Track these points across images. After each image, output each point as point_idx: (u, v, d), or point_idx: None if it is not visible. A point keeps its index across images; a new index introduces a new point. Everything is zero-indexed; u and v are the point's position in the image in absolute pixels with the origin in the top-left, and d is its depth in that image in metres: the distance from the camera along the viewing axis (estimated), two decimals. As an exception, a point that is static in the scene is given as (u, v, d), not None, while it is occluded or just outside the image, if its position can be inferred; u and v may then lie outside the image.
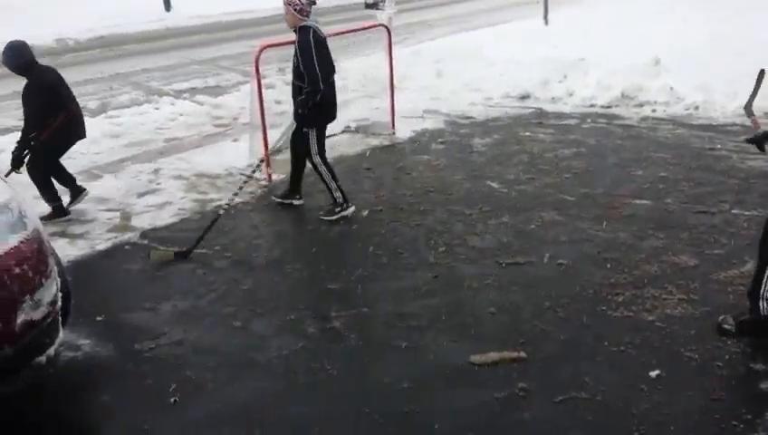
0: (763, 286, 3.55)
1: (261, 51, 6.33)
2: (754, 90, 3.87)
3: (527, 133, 7.47)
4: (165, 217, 5.63)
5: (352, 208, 5.50)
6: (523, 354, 3.62)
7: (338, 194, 5.46)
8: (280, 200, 5.84)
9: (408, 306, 4.15)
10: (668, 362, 3.49)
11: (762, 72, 3.60)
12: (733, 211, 5.18)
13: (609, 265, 4.49)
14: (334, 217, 5.41)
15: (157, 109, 8.75)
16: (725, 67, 8.35)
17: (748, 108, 3.95)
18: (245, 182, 5.59)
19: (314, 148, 5.43)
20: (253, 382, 3.52)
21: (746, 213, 5.13)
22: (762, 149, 3.73)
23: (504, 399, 3.30)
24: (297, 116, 5.28)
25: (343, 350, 3.75)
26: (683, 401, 3.22)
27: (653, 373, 3.40)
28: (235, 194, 5.46)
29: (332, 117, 5.54)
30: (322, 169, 5.48)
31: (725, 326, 3.68)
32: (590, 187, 5.83)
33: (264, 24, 16.61)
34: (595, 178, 6.02)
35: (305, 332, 3.93)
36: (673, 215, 5.20)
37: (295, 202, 5.79)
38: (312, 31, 5.20)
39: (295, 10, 5.21)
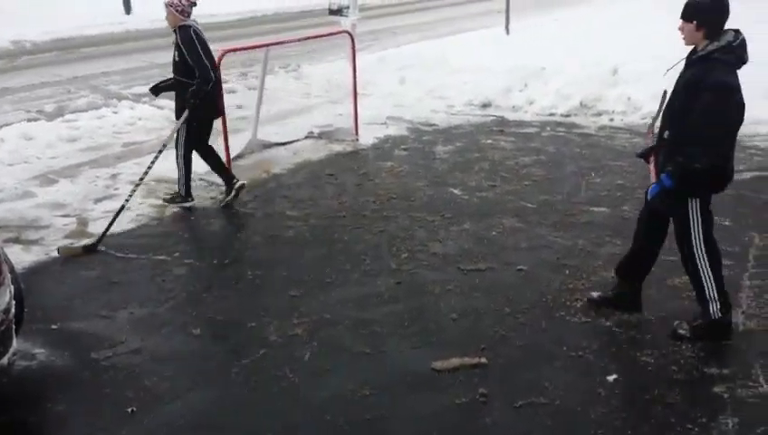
0: (708, 289, 3.63)
1: (223, 55, 6.28)
2: (658, 109, 3.90)
3: (489, 141, 7.56)
4: (123, 223, 5.52)
5: (193, 202, 5.89)
6: (483, 360, 3.65)
7: (183, 190, 5.86)
8: (227, 201, 5.88)
9: (371, 313, 4.15)
10: (625, 367, 3.56)
11: (665, 93, 3.71)
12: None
13: (567, 272, 4.56)
14: (173, 204, 5.83)
15: (115, 113, 8.59)
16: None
17: (651, 126, 4.04)
18: (157, 156, 5.68)
19: (191, 138, 5.77)
20: (212, 392, 3.48)
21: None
22: (648, 160, 3.86)
23: (465, 404, 3.32)
24: (190, 106, 5.52)
25: (305, 357, 3.73)
26: (640, 405, 3.29)
27: (610, 378, 3.47)
28: (137, 184, 5.58)
29: (216, 113, 5.93)
30: (183, 162, 5.82)
31: (680, 331, 3.76)
32: (550, 194, 5.93)
33: (226, 29, 16.48)
34: (554, 186, 6.13)
35: (267, 339, 3.90)
36: (629, 222, 5.28)
37: (236, 185, 5.90)
38: (192, 29, 5.58)
39: (177, 11, 5.57)
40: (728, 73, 3.34)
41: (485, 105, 9.05)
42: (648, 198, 3.69)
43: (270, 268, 4.75)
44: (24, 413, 3.34)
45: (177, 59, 5.62)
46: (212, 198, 6.04)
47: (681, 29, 3.48)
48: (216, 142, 6.59)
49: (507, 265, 4.69)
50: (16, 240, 5.21)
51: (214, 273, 4.71)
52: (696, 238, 3.59)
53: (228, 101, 6.54)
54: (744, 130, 7.61)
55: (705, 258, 3.60)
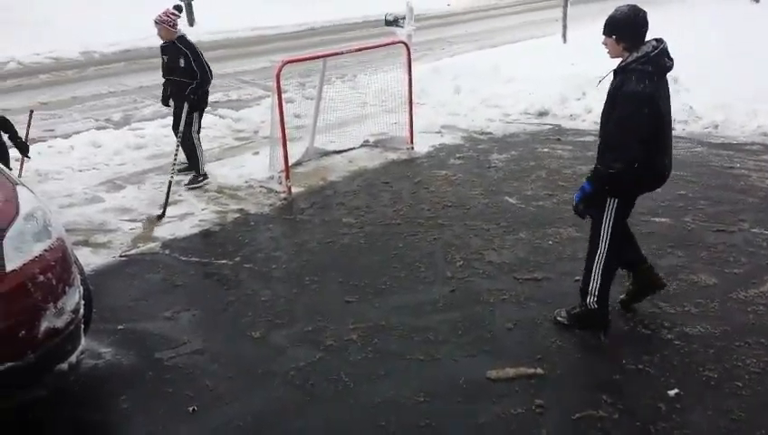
0: (592, 284, 3.89)
1: (282, 66, 6.41)
2: None
3: (545, 149, 7.49)
4: (186, 228, 5.71)
5: (209, 181, 6.75)
6: (540, 371, 3.62)
7: (204, 168, 6.75)
8: (192, 186, 6.62)
9: (425, 320, 4.17)
10: (687, 381, 3.47)
11: None
12: (752, 230, 5.15)
13: (626, 283, 4.46)
14: (197, 185, 6.64)
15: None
16: (745, 86, 8.33)
17: None
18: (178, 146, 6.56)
19: (197, 127, 6.69)
20: (270, 393, 3.55)
21: (766, 232, 5.09)
22: None
23: (521, 415, 3.30)
24: (190, 101, 6.42)
25: (360, 362, 3.78)
26: (702, 420, 3.20)
27: (672, 392, 3.39)
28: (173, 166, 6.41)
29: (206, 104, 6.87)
30: (199, 143, 6.74)
31: (559, 318, 4.04)
32: (609, 204, 5.81)
33: (286, 40, 16.82)
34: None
35: (323, 343, 3.96)
36: (692, 233, 5.18)
37: (202, 181, 6.72)
38: (186, 36, 6.63)
39: (170, 26, 6.50)
40: (643, 82, 3.49)
41: (542, 114, 8.96)
42: (575, 199, 3.88)
43: (326, 274, 4.82)
44: (89, 411, 3.49)
45: (182, 65, 6.45)
46: (270, 205, 6.17)
47: (605, 44, 3.68)
48: (274, 150, 6.76)
49: (564, 274, 4.63)
50: (85, 243, 5.44)
51: (273, 277, 4.81)
52: (603, 237, 3.80)
53: (287, 110, 6.67)
54: None
55: (603, 258, 3.82)
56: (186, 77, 6.47)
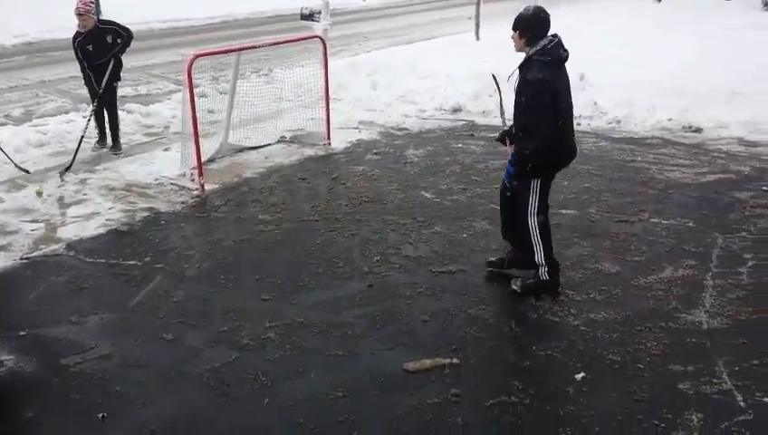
0: (537, 255, 4.27)
1: (194, 59, 6.25)
2: (499, 97, 4.76)
3: (459, 145, 7.64)
4: (92, 228, 5.47)
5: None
6: (455, 360, 3.70)
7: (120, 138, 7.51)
8: (117, 152, 7.35)
9: (343, 315, 4.18)
10: (592, 365, 3.64)
11: (493, 76, 4.77)
12: (651, 220, 5.45)
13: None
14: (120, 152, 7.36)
15: (84, 117, 8.48)
16: (646, 82, 8.79)
17: (502, 113, 4.75)
18: (92, 113, 7.26)
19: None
20: (184, 396, 3.47)
21: (664, 222, 5.40)
22: (504, 143, 4.52)
23: (437, 404, 3.36)
24: (118, 60, 7.21)
25: (278, 360, 3.74)
26: (607, 402, 3.36)
27: (578, 376, 3.55)
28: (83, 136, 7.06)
29: None
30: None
31: (513, 287, 4.40)
32: (520, 197, 6.00)
33: (198, 33, 16.38)
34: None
35: (239, 343, 3.90)
36: (596, 224, 5.43)
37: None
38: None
39: (92, 13, 7.09)
40: (543, 70, 3.96)
41: (456, 110, 9.14)
42: (504, 179, 4.37)
43: (242, 272, 4.75)
44: (-9, 421, 3.30)
45: (110, 40, 7.10)
46: (183, 203, 6.01)
47: (512, 38, 4.15)
48: (186, 147, 6.58)
49: (478, 266, 4.75)
50: (-18, 246, 5.13)
51: (186, 277, 4.69)
52: (531, 213, 4.23)
53: (199, 105, 6.51)
54: (708, 133, 7.85)
55: (537, 230, 4.24)
56: (107, 55, 7.09)
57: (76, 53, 7.20)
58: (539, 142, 3.96)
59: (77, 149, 6.89)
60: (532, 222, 4.23)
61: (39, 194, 6.15)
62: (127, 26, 7.30)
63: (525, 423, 3.23)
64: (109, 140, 7.51)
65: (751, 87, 8.32)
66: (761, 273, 4.53)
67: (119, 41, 7.16)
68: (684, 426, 3.17)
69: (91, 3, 6.99)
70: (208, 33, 16.45)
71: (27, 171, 6.66)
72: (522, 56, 4.13)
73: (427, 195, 6.13)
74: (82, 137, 7.04)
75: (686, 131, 7.85)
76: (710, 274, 4.52)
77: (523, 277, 4.42)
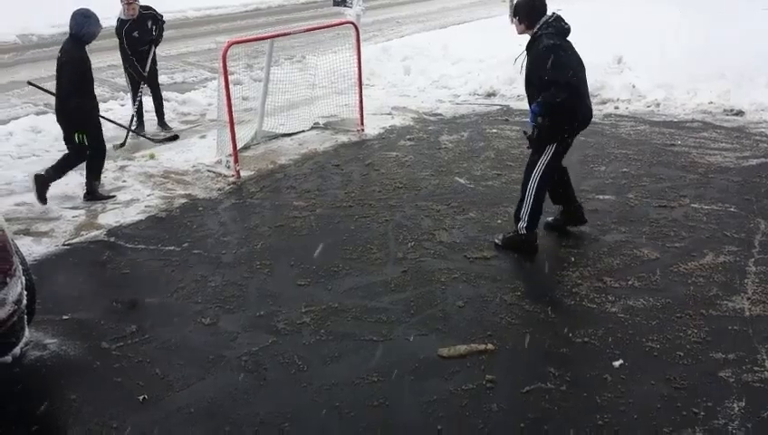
0: (523, 210, 4.59)
1: (228, 47, 6.29)
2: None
3: (494, 130, 7.57)
4: (131, 215, 5.58)
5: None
6: (490, 347, 3.68)
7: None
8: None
9: (378, 301, 4.19)
10: (631, 352, 3.59)
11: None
12: (692, 205, 5.33)
13: (573, 259, 4.59)
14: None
15: (122, 105, 8.63)
16: (686, 65, 8.57)
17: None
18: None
19: None
20: (222, 379, 3.52)
21: (705, 207, 5.28)
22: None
23: (472, 390, 3.36)
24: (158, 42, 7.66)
25: (313, 345, 3.78)
26: (646, 390, 3.31)
27: (616, 363, 3.50)
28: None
29: None
30: None
31: (496, 241, 4.78)
32: (556, 182, 5.92)
33: (233, 20, 16.49)
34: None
35: (275, 328, 3.94)
36: (635, 209, 5.33)
37: None
38: None
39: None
40: (551, 38, 4.28)
41: (490, 94, 9.04)
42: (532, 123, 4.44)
43: (277, 258, 4.79)
44: (36, 402, 3.40)
45: (150, 26, 7.38)
46: (219, 189, 6.08)
47: (514, 24, 4.58)
48: (221, 134, 6.64)
49: (513, 253, 4.71)
50: (27, 232, 5.27)
51: (222, 263, 4.75)
52: (537, 171, 4.52)
53: (234, 92, 6.56)
54: (750, 117, 7.63)
55: (535, 188, 4.53)
56: (152, 36, 7.44)
57: (122, 41, 7.33)
58: (567, 91, 4.18)
59: (129, 127, 7.32)
60: (534, 179, 4.52)
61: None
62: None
63: (562, 410, 3.20)
64: (147, 127, 7.77)
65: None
66: (806, 259, 4.41)
67: (154, 27, 7.43)
68: (724, 414, 3.11)
69: None
70: (242, 20, 16.54)
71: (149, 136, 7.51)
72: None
73: (461, 181, 6.09)
74: (134, 116, 7.54)
75: (727, 114, 7.64)
76: (752, 260, 4.41)
77: (505, 232, 4.78)
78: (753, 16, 11.71)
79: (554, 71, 4.19)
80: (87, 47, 5.76)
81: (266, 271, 4.63)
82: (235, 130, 6.33)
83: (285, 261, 4.74)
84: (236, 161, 6.35)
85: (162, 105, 7.93)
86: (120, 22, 7.34)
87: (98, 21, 5.70)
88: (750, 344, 3.60)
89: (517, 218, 4.66)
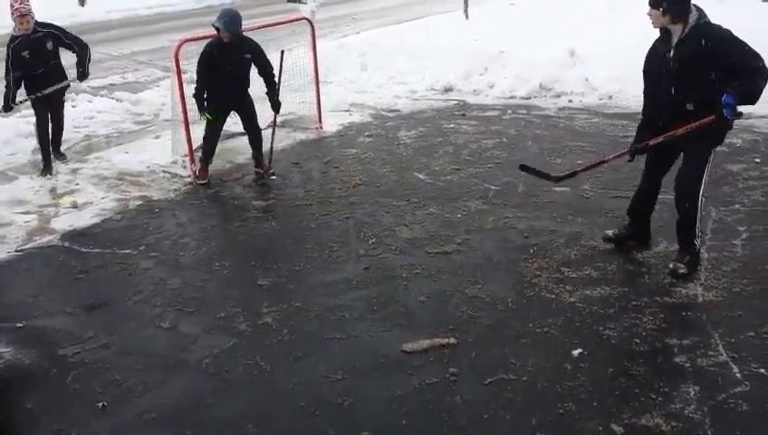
0: (697, 226, 4.19)
1: (180, 45, 6.19)
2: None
3: (451, 125, 7.62)
4: (86, 218, 5.45)
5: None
6: (453, 340, 3.72)
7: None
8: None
9: (340, 299, 4.18)
10: (589, 341, 3.66)
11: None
12: (645, 195, 5.44)
13: (532, 251, 4.65)
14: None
15: (74, 106, 8.40)
16: (637, 57, 8.75)
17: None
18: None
19: None
20: (183, 383, 3.48)
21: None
22: (646, 148, 4.40)
23: (435, 384, 3.38)
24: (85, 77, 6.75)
25: (276, 345, 3.75)
26: (604, 377, 3.39)
27: (575, 352, 3.57)
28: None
29: None
30: None
31: (681, 271, 4.19)
32: (513, 176, 5.99)
33: (186, 18, 16.21)
34: (517, 168, 6.19)
35: (236, 329, 3.91)
36: (590, 201, 5.44)
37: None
38: None
39: (33, 15, 6.18)
40: (719, 26, 3.91)
41: (447, 90, 9.10)
42: (725, 111, 3.81)
43: (237, 259, 4.74)
44: (-9, 413, 3.30)
45: (51, 47, 6.27)
46: (175, 190, 5.99)
47: (649, 14, 4.04)
48: (176, 134, 6.53)
49: (473, 246, 4.76)
50: (-25, 239, 5.10)
51: (180, 265, 4.68)
52: (704, 182, 4.12)
53: (188, 91, 6.45)
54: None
55: (703, 201, 4.17)
56: (58, 58, 6.37)
57: (8, 59, 6.25)
58: (766, 69, 3.74)
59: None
60: (702, 192, 4.11)
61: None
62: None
63: (523, 400, 3.25)
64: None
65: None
66: (754, 245, 4.55)
67: (74, 50, 6.51)
68: (681, 399, 3.20)
69: (27, 1, 6.17)
70: (196, 17, 16.25)
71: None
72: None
73: (420, 176, 6.12)
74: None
75: (677, 106, 7.83)
76: (705, 247, 4.54)
77: (677, 259, 4.24)
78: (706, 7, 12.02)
79: (749, 55, 3.74)
80: None
81: (226, 272, 4.57)
82: (190, 129, 6.24)
83: (245, 261, 4.70)
84: (192, 161, 6.26)
85: (62, 133, 6.75)
86: (11, 37, 6.24)
87: None
88: (704, 330, 3.71)
89: (691, 236, 4.22)
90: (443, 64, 9.57)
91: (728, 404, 3.15)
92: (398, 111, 8.35)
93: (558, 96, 8.46)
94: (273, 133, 6.50)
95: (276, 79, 6.15)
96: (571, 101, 8.33)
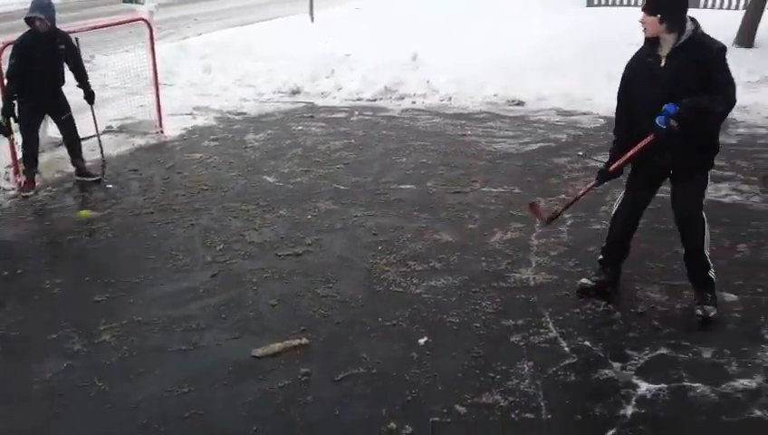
0: (705, 247, 3.81)
1: (3, 48, 5.68)
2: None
3: (300, 127, 7.61)
4: None
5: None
6: (304, 341, 3.71)
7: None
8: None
9: (186, 309, 4.03)
10: (434, 329, 3.81)
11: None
12: (483, 189, 5.77)
13: (380, 247, 4.76)
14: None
15: None
16: (474, 60, 9.24)
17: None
18: None
19: None
20: (14, 412, 3.20)
21: (494, 190, 5.74)
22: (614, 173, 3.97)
23: (287, 386, 3.36)
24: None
25: (116, 363, 3.54)
26: (448, 361, 3.54)
27: (421, 341, 3.70)
28: None
29: None
30: None
31: (711, 315, 3.80)
32: (361, 175, 6.11)
33: (13, 19, 14.85)
34: (365, 167, 6.32)
35: (70, 350, 3.64)
36: (433, 196, 5.65)
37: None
38: None
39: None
40: (715, 39, 3.64)
41: (295, 92, 9.07)
42: (657, 117, 3.59)
43: (69, 275, 4.43)
44: None
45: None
46: (-2, 205, 5.48)
47: (643, 22, 3.65)
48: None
49: (323, 246, 4.78)
50: None
51: (5, 285, 4.29)
52: (702, 203, 3.80)
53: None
54: (529, 106, 8.38)
55: (705, 221, 3.80)
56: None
57: None
58: (729, 109, 3.60)
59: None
60: (701, 213, 3.78)
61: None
62: None
63: (374, 391, 3.32)
64: None
65: (565, 62, 9.01)
66: (578, 230, 4.96)
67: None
68: (517, 374, 3.42)
69: None
70: (21, 19, 14.98)
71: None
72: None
73: (269, 179, 6.05)
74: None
75: (510, 105, 8.36)
76: (534, 235, 4.88)
77: (701, 302, 3.83)
78: (529, 15, 12.91)
79: (729, 78, 3.55)
80: None
81: (57, 290, 4.25)
82: (14, 138, 5.72)
83: (79, 277, 4.39)
84: (17, 173, 5.75)
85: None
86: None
87: None
88: (536, 310, 3.98)
89: (707, 278, 3.85)
90: (290, 67, 9.54)
91: (558, 376, 3.42)
92: (244, 113, 8.20)
93: (402, 98, 8.72)
94: (99, 136, 6.26)
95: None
96: (414, 102, 8.62)
